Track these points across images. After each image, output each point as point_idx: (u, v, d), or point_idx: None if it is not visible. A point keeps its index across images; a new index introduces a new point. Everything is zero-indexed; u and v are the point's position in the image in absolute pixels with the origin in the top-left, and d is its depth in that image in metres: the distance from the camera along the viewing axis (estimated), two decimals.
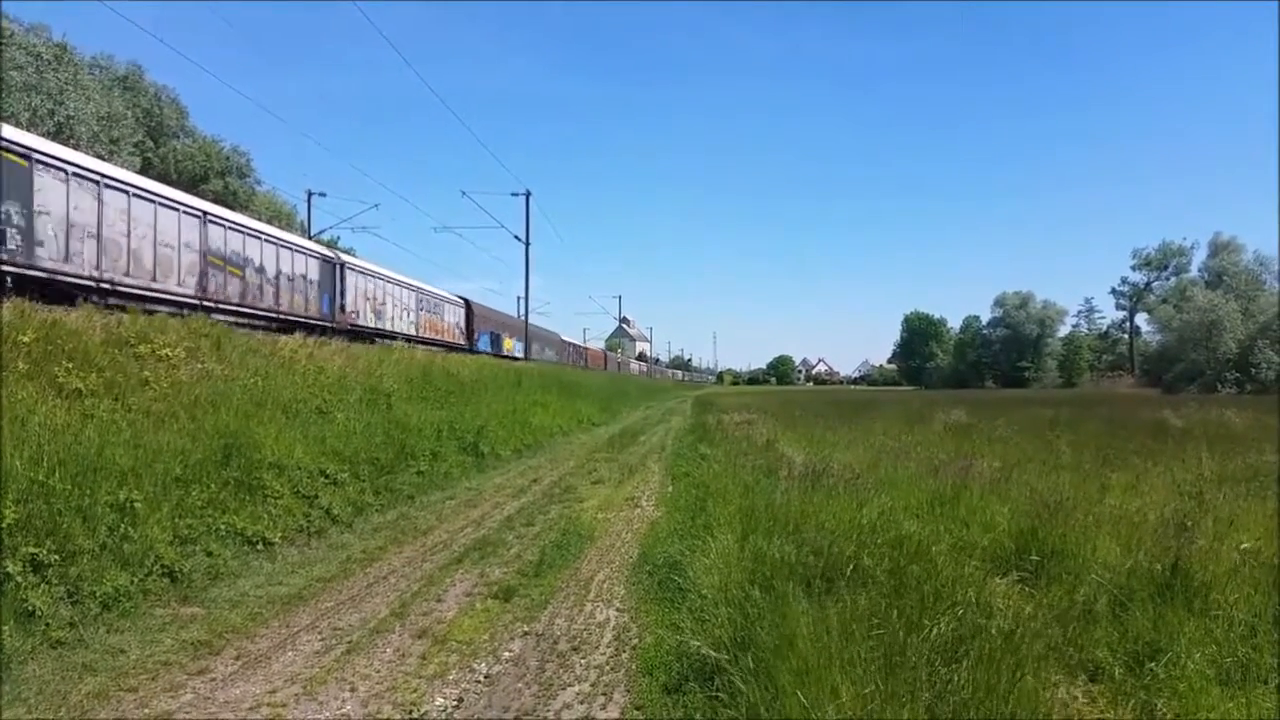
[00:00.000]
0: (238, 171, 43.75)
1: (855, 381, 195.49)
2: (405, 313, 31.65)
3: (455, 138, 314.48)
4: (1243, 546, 6.51)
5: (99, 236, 15.52)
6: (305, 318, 23.26)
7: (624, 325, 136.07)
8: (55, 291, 13.94)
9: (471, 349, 37.93)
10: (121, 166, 21.17)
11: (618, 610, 6.80)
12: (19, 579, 5.77)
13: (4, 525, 6.00)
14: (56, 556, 6.14)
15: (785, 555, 6.34)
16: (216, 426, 9.85)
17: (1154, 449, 14.93)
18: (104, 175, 15.88)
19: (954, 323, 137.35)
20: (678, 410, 43.76)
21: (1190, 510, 8.03)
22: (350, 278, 26.93)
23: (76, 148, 22.07)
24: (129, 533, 6.94)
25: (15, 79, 29.19)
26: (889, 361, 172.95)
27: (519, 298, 54.88)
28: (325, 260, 25.53)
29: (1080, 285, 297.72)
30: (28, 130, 17.27)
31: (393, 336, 28.55)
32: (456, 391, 20.85)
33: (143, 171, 28.51)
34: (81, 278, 15.05)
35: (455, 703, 4.93)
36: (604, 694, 5.06)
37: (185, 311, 16.90)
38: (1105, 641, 5.19)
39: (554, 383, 33.58)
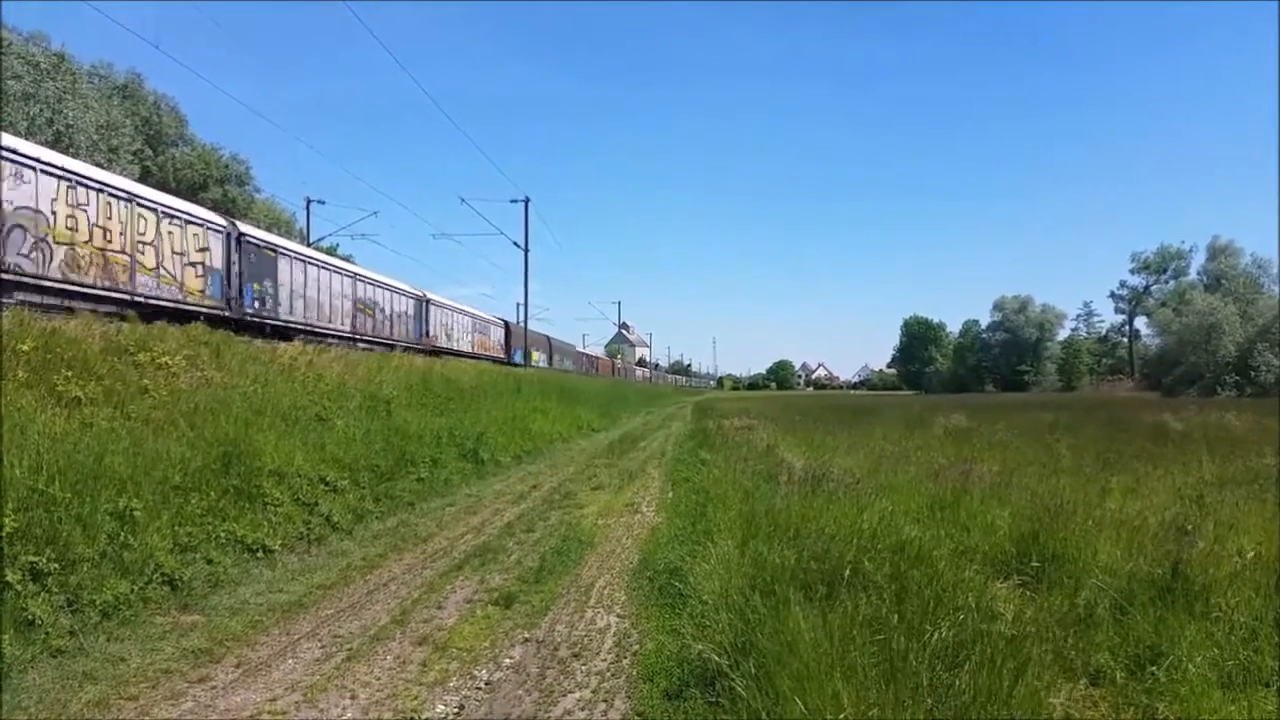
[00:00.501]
0: (236, 179, 43.80)
1: (855, 386, 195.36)
2: (466, 334, 40.61)
3: (453, 143, 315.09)
4: (1247, 555, 6.50)
5: (304, 296, 23.86)
6: (405, 342, 31.25)
7: (623, 331, 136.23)
8: (283, 333, 21.64)
9: (509, 361, 45.33)
10: (120, 175, 21.41)
11: (618, 616, 6.79)
12: (19, 587, 5.76)
13: (4, 533, 5.99)
14: (56, 565, 6.14)
15: (785, 560, 6.34)
16: (216, 434, 9.84)
17: (1154, 452, 14.95)
18: (308, 256, 25.11)
19: (953, 327, 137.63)
20: (678, 416, 43.75)
21: (1191, 514, 8.04)
22: (432, 311, 35.40)
23: (76, 156, 22.19)
24: (129, 541, 6.93)
25: (13, 88, 29.22)
26: (888, 366, 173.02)
27: (518, 304, 55.69)
28: (417, 299, 33.90)
29: (1079, 289, 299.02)
30: (26, 139, 17.67)
31: (458, 354, 36.72)
32: (456, 398, 20.84)
33: (142, 180, 28.52)
34: (297, 324, 23.26)
35: (456, 710, 4.93)
36: (605, 700, 5.05)
37: (344, 344, 24.38)
38: (1106, 645, 5.19)
39: (554, 389, 33.57)
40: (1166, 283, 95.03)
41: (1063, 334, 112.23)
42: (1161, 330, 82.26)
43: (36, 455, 7.10)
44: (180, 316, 17.10)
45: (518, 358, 48.28)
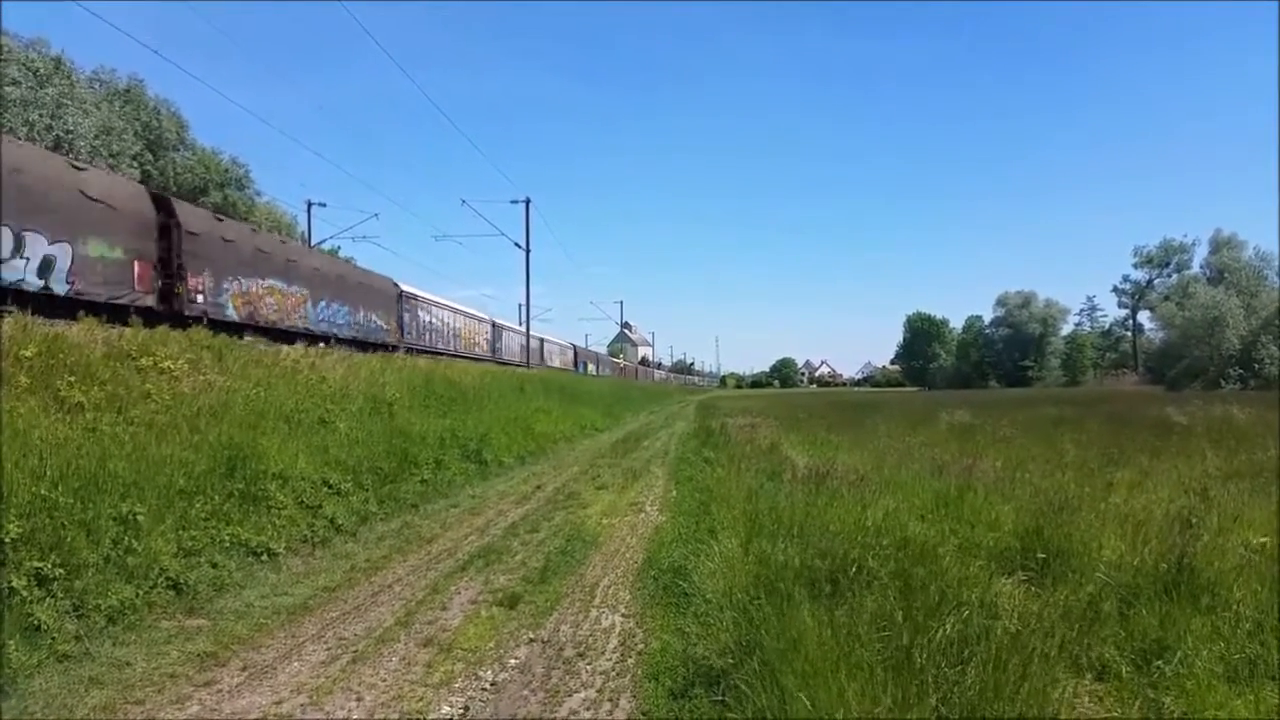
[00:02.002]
0: (237, 183, 43.77)
1: (858, 383, 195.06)
2: (555, 357, 64.42)
3: (454, 145, 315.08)
4: (1260, 540, 6.48)
5: (509, 347, 49.54)
6: (522, 364, 50.81)
7: (625, 330, 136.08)
8: (503, 364, 42.56)
9: (577, 371, 69.63)
10: (123, 178, 21.40)
11: (623, 616, 6.79)
12: (24, 593, 5.77)
13: (8, 540, 6.01)
14: (61, 570, 6.14)
15: (790, 558, 6.34)
16: (219, 438, 9.85)
17: (1158, 446, 14.92)
18: (509, 326, 52.22)
19: (956, 323, 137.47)
20: (680, 415, 43.77)
21: (1195, 507, 8.02)
22: (546, 346, 60.73)
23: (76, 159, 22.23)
24: (133, 545, 6.94)
25: (13, 94, 29.25)
26: (892, 363, 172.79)
27: (519, 305, 57.97)
28: (539, 340, 57.60)
29: (1082, 284, 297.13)
30: (27, 144, 17.76)
31: (554, 369, 58.21)
32: (459, 399, 20.85)
33: (142, 183, 28.50)
34: (507, 360, 46.02)
35: (461, 710, 4.93)
36: (610, 700, 5.05)
37: (519, 368, 43.48)
38: (1112, 640, 5.18)
39: (556, 389, 33.60)
40: (1169, 276, 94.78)
41: (1066, 329, 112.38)
42: (1165, 324, 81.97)
43: (40, 461, 7.11)
44: (478, 361, 36.25)
45: (581, 369, 74.25)
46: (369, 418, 14.80)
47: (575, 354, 75.40)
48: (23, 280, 12.39)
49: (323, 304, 22.71)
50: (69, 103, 31.26)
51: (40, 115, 30.09)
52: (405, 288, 31.21)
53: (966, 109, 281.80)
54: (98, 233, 14.00)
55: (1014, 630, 4.70)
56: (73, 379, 9.45)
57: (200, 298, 16.73)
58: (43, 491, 6.68)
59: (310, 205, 45.82)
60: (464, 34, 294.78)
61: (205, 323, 15.66)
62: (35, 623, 5.66)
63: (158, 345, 12.00)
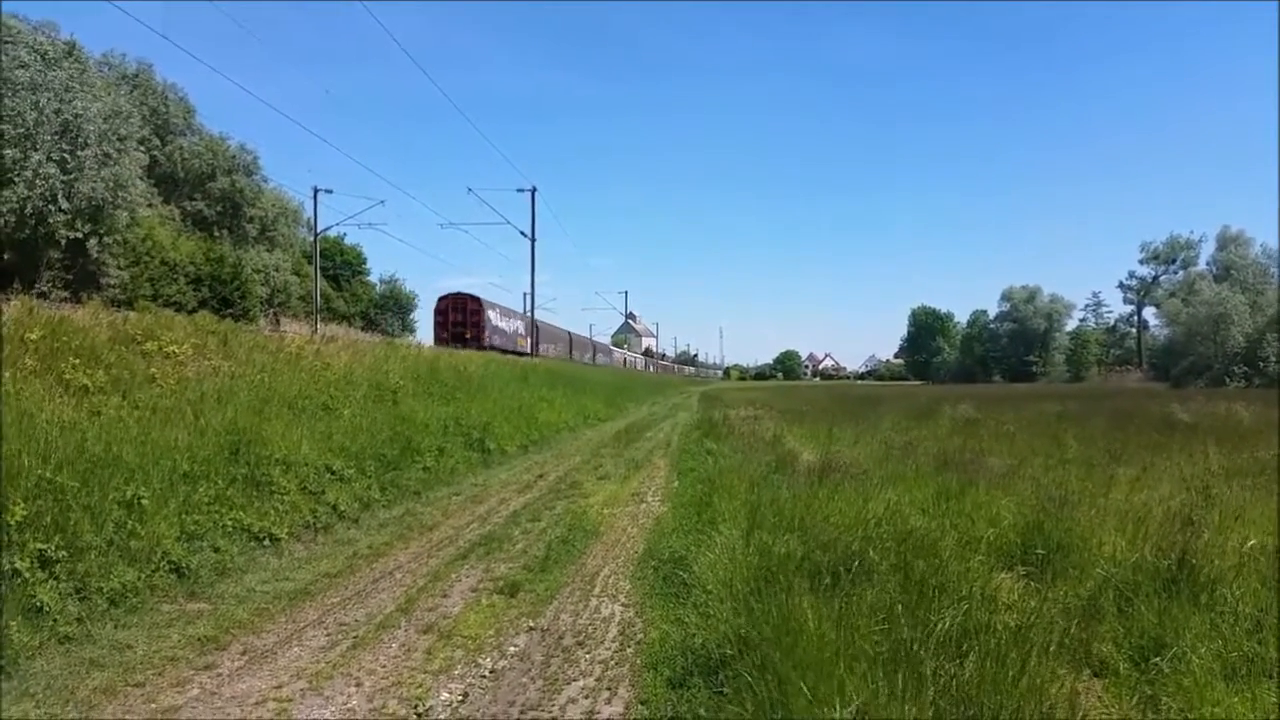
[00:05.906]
0: (245, 169, 43.67)
1: (862, 376, 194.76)
2: (634, 365, 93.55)
3: (462, 135, 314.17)
4: (1259, 540, 6.48)
5: (625, 363, 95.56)
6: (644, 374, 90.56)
7: (630, 321, 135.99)
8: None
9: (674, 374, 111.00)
10: (128, 164, 21.39)
11: (623, 605, 6.81)
12: (27, 575, 5.80)
13: (13, 522, 6.03)
14: (65, 553, 6.17)
15: (791, 550, 6.35)
16: (224, 423, 9.87)
17: (1162, 443, 14.89)
18: (607, 346, 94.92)
19: (961, 317, 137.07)
20: (684, 406, 43.70)
21: (1197, 504, 8.02)
22: (638, 358, 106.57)
23: (85, 146, 22.28)
24: (136, 529, 6.97)
25: (20, 77, 29.14)
26: (896, 356, 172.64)
27: (525, 294, 57.55)
28: (632, 354, 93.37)
29: (1087, 279, 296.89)
30: (34, 130, 17.76)
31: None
32: (463, 387, 20.86)
33: (150, 169, 28.50)
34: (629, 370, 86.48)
35: (460, 697, 4.95)
36: (609, 689, 5.07)
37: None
38: (1111, 636, 5.18)
39: (560, 379, 33.60)
40: (1175, 273, 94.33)
41: (1071, 324, 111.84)
42: (1170, 321, 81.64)
43: (45, 444, 7.13)
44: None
45: (678, 372, 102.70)
46: (373, 404, 14.82)
47: (648, 362, 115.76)
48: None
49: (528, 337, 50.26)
50: (78, 86, 31.15)
51: (49, 99, 29.98)
52: (564, 329, 59.76)
53: (972, 105, 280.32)
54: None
55: (1014, 625, 4.70)
56: (77, 362, 9.48)
57: (484, 339, 40.80)
58: (48, 474, 6.70)
59: (316, 192, 45.84)
60: (472, 27, 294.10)
61: (482, 348, 37.48)
62: (38, 604, 5.69)
63: (163, 329, 12.02)
